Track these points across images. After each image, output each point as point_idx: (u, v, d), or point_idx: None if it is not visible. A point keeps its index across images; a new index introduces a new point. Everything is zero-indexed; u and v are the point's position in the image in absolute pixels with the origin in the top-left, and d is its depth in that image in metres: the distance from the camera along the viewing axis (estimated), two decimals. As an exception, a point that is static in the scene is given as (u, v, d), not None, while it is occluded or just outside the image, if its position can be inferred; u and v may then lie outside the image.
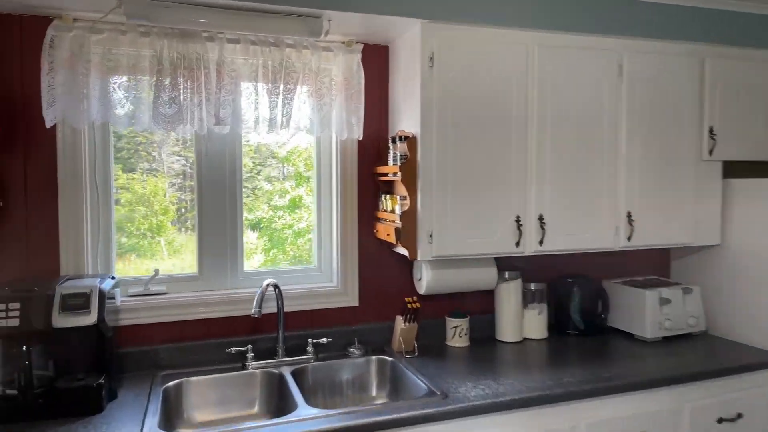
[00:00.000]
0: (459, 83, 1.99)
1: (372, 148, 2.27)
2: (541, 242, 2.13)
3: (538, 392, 1.80)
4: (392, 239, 2.04)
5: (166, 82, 1.88)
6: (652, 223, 2.30)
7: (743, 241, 2.38)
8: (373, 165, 2.28)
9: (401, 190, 2.04)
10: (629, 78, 2.22)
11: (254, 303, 1.92)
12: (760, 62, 2.43)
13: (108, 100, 1.85)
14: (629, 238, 2.27)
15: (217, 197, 2.16)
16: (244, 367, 2.01)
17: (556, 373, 1.97)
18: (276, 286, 2.04)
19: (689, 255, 2.65)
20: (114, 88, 1.86)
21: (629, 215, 2.26)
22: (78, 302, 1.62)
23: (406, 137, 2.00)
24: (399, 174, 1.99)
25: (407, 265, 2.36)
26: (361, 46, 2.13)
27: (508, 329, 2.37)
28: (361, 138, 2.16)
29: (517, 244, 2.10)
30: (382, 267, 2.33)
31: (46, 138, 1.90)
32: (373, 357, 2.16)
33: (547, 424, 1.81)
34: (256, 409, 1.97)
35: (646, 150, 2.27)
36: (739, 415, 2.10)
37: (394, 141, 2.07)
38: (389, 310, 2.33)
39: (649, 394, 1.95)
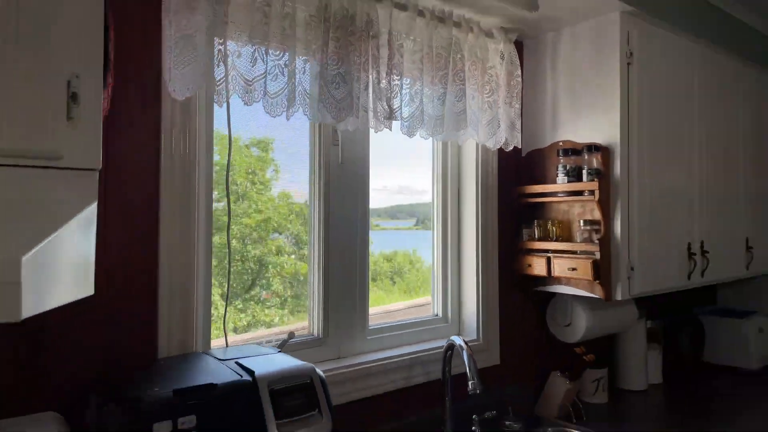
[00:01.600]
0: (658, 87, 1.71)
1: (508, 162, 1.84)
2: (703, 273, 1.90)
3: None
4: (584, 275, 1.62)
5: (331, 50, 1.25)
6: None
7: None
8: (509, 183, 1.84)
9: (591, 213, 1.65)
10: None
11: (471, 375, 1.33)
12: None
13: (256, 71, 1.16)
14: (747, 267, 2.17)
15: (344, 229, 1.52)
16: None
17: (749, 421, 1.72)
18: (455, 347, 1.45)
19: (740, 282, 2.65)
20: (259, 56, 1.17)
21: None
22: (297, 402, 0.90)
23: (598, 147, 1.63)
24: (596, 193, 1.60)
25: (541, 308, 1.93)
26: (515, 35, 1.71)
27: (633, 376, 2.07)
28: (519, 147, 1.72)
29: (689, 276, 1.84)
30: (519, 313, 1.88)
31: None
32: (549, 430, 1.68)
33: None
34: None
35: None
36: None
37: (574, 152, 1.68)
38: (527, 366, 1.87)
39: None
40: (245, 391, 0.87)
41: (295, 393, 0.90)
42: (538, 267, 1.74)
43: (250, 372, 0.92)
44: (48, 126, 0.69)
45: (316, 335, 1.48)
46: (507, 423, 1.66)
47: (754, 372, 2.26)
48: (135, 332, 1.09)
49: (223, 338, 1.25)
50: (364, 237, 1.57)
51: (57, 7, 0.71)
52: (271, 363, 0.96)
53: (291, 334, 1.31)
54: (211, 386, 0.85)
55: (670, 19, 1.77)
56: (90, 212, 0.77)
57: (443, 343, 1.65)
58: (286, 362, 0.97)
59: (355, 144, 1.54)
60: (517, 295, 1.86)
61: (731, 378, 2.21)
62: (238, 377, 0.90)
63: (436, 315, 1.79)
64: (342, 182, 1.51)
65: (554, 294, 1.86)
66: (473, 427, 1.56)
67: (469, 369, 1.32)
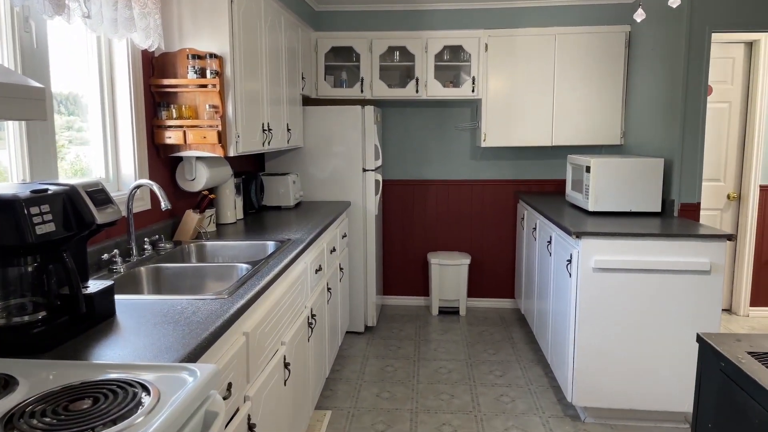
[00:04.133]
0: (248, 21, 2.61)
1: (145, 59, 2.44)
2: (270, 143, 3.06)
3: (311, 234, 2.87)
4: (210, 141, 2.48)
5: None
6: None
7: (310, 143, 4.02)
8: (148, 76, 2.46)
9: (213, 100, 2.48)
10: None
11: (162, 198, 2.01)
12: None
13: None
14: (288, 141, 3.49)
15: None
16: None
17: (298, 227, 3.05)
18: (142, 186, 2.10)
19: (280, 155, 4.06)
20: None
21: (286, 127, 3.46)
22: (102, 197, 1.47)
23: (216, 55, 2.46)
24: (217, 86, 2.45)
25: (169, 168, 2.69)
26: (153, -36, 2.30)
27: (227, 213, 3.13)
28: (163, 49, 2.36)
29: (263, 144, 2.95)
30: (159, 173, 2.59)
31: None
32: (192, 244, 2.53)
33: (321, 244, 2.93)
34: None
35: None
36: (345, 235, 3.82)
37: (200, 57, 2.45)
38: (170, 209, 2.63)
39: (331, 230, 3.35)
40: (72, 193, 1.40)
41: (97, 194, 1.48)
42: (175, 138, 2.50)
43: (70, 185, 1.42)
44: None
45: (26, 188, 1.84)
46: (161, 245, 2.42)
47: (291, 207, 3.69)
48: None
49: None
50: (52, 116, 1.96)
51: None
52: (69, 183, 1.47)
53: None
54: (47, 190, 1.34)
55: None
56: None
57: (118, 193, 2.25)
58: (76, 180, 1.50)
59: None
60: (158, 160, 2.57)
61: (279, 212, 3.55)
62: (66, 187, 1.40)
63: (102, 177, 2.32)
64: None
65: (182, 158, 2.66)
66: (146, 246, 2.28)
67: (161, 195, 2.03)
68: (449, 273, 4.54)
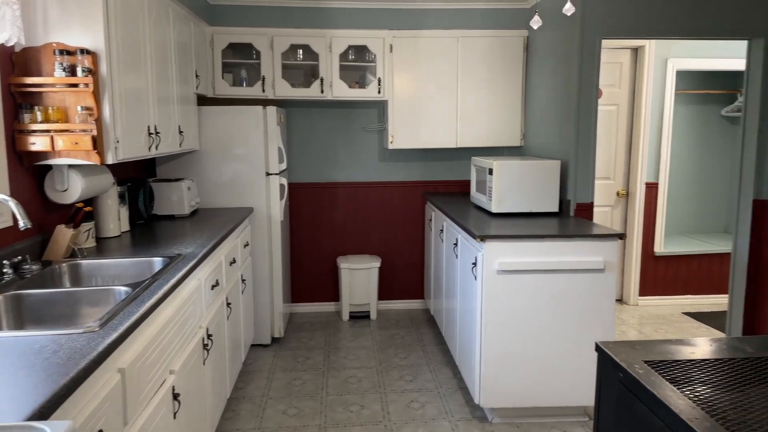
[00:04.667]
0: (135, 13, 2.35)
1: (3, 56, 2.13)
2: (157, 147, 2.79)
3: (206, 248, 2.65)
4: (84, 147, 2.20)
5: None
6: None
7: (208, 145, 3.77)
8: (7, 74, 2.14)
9: (86, 101, 2.20)
10: (173, 27, 3.09)
11: (19, 216, 1.73)
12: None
13: None
14: (180, 144, 3.23)
15: None
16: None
17: (193, 238, 2.82)
18: None
19: (173, 159, 3.76)
20: None
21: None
22: None
23: (88, 51, 2.18)
24: (90, 85, 2.17)
25: (36, 177, 2.37)
26: (5, -56, 1.99)
27: (110, 226, 2.83)
28: (23, 44, 2.05)
29: (149, 148, 2.69)
30: (18, 183, 2.26)
31: None
32: (64, 264, 2.24)
33: (219, 257, 2.72)
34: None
35: (180, 81, 3.23)
36: (247, 244, 3.61)
37: (70, 53, 2.16)
38: (33, 226, 2.32)
39: (230, 240, 3.14)
40: None
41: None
42: (42, 144, 2.19)
43: None
44: None
45: None
46: (26, 267, 2.12)
47: (186, 215, 3.42)
48: None
49: None
50: None
51: None
52: None
53: None
54: None
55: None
56: None
57: (-39, 211, 1.93)
58: None
59: None
60: (21, 169, 2.25)
61: (172, 222, 3.28)
62: None
63: (-55, 189, 1.98)
64: None
65: (51, 166, 2.35)
66: (5, 270, 1.97)
67: (18, 212, 1.75)
68: (359, 277, 4.45)
